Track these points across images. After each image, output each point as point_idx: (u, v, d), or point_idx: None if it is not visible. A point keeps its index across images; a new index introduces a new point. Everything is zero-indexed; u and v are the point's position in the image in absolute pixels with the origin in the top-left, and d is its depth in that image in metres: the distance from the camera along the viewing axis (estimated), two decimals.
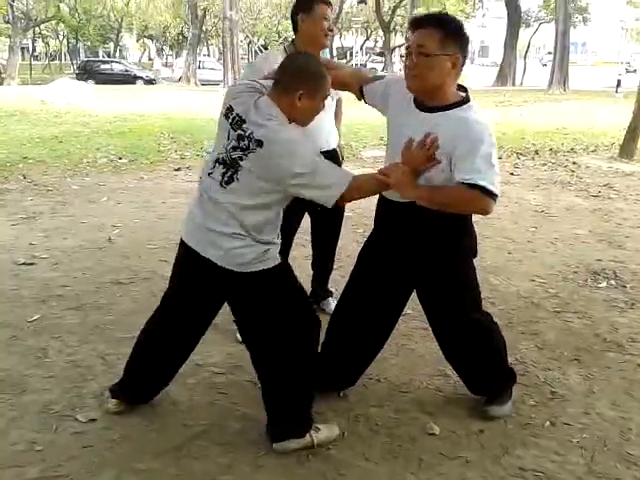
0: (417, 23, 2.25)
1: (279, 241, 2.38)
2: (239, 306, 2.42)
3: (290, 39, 3.44)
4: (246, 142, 2.18)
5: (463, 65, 2.28)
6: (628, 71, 30.07)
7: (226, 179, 2.23)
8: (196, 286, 2.40)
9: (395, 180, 2.25)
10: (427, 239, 2.41)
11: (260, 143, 2.15)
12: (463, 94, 2.32)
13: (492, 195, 2.19)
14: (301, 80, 2.20)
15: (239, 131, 2.20)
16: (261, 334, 2.41)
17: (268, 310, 2.34)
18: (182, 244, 2.40)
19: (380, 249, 2.58)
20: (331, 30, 3.23)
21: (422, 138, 2.23)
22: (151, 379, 2.64)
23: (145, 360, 2.60)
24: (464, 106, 2.27)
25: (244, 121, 2.20)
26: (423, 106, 2.31)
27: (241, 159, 2.19)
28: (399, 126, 2.39)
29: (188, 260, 2.38)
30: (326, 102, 2.35)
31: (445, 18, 2.28)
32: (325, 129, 3.30)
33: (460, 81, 2.37)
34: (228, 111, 2.26)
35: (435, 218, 2.33)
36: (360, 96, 2.60)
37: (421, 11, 32.49)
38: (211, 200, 2.27)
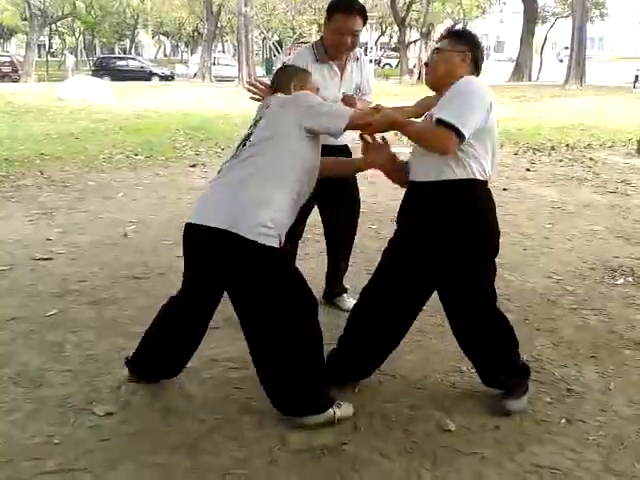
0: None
1: (283, 230, 2.43)
2: (232, 285, 2.43)
3: (320, 37, 3.41)
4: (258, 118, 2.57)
5: (477, 62, 2.53)
6: None
7: (237, 152, 2.49)
8: (197, 261, 2.50)
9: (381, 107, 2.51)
10: (450, 229, 2.45)
11: (268, 106, 2.55)
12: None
13: (455, 131, 2.28)
14: (291, 76, 2.69)
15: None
16: (256, 317, 2.43)
17: (262, 291, 2.37)
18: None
19: (404, 244, 2.60)
20: (351, 44, 3.15)
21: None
22: (161, 358, 2.71)
23: (157, 337, 2.68)
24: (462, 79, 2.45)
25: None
26: None
27: (255, 126, 2.51)
28: None
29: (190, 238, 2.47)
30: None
31: (459, 29, 2.60)
32: None
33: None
34: None
35: (458, 208, 2.42)
36: None
37: (436, 6, 32.41)
38: (225, 173, 2.49)
